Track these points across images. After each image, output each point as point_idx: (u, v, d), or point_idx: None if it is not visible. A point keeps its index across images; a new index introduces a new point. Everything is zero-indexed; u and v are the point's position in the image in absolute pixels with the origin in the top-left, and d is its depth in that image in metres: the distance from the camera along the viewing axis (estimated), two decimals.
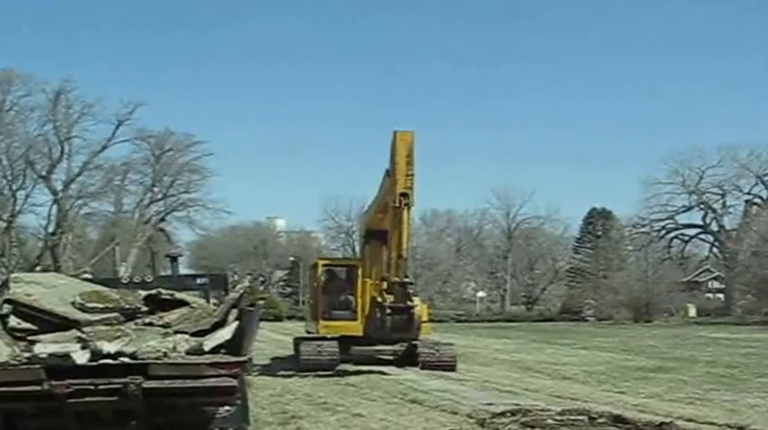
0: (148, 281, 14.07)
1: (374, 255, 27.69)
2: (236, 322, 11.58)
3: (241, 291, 12.42)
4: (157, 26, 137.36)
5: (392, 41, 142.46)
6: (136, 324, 11.81)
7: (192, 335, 11.47)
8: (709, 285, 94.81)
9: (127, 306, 12.18)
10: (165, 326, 11.79)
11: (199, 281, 14.61)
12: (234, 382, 10.49)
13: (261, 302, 12.17)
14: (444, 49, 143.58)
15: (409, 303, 23.91)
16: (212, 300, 13.49)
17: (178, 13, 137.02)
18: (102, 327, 11.24)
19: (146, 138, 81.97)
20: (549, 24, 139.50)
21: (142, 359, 10.47)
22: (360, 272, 27.42)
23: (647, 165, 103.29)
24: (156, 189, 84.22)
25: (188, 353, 10.93)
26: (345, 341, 26.45)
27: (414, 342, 26.11)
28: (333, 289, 27.91)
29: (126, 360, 10.41)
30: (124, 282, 14.22)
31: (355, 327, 26.62)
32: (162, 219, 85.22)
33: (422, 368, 25.83)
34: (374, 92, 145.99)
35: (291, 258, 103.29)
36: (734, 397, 19.93)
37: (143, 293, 13.01)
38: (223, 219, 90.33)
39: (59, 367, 9.96)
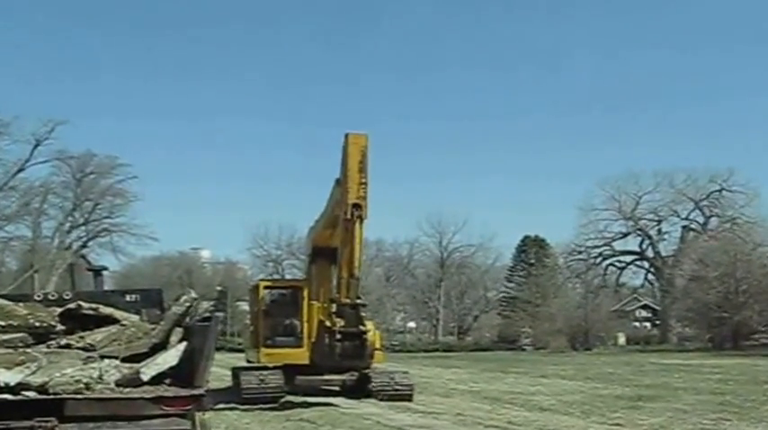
0: (67, 297, 11.32)
1: (322, 275, 25.83)
2: (183, 343, 8.92)
3: (187, 305, 9.74)
4: (79, 41, 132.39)
5: (321, 62, 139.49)
6: (48, 346, 9.16)
7: (124, 360, 8.82)
8: (637, 314, 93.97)
9: (37, 324, 9.56)
10: (87, 348, 9.13)
11: (128, 298, 11.88)
12: (186, 425, 7.75)
13: (220, 314, 9.43)
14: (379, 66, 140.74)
15: (361, 327, 22.17)
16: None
17: (100, 29, 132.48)
18: (2, 351, 8.56)
19: (66, 160, 77.64)
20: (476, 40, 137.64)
21: (55, 393, 7.75)
22: (306, 294, 25.54)
23: (584, 191, 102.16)
24: (77, 214, 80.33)
25: (119, 384, 8.27)
26: (290, 370, 24.39)
27: (365, 370, 23.96)
28: (276, 313, 25.91)
29: (32, 394, 7.69)
30: (37, 298, 11.43)
31: (300, 355, 24.60)
32: (84, 246, 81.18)
33: (381, 399, 23.59)
34: (300, 114, 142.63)
35: (218, 287, 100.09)
36: (754, 428, 18.10)
37: (59, 310, 10.32)
38: (148, 245, 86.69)
39: None
